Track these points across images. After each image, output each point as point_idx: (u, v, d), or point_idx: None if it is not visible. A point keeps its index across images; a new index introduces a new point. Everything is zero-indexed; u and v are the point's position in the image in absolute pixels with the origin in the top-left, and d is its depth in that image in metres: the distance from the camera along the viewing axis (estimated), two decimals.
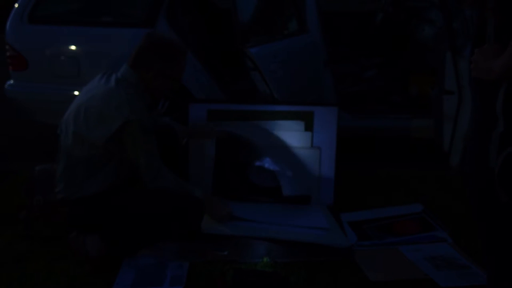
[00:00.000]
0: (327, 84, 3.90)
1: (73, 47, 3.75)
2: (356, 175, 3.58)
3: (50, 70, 3.72)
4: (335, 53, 4.43)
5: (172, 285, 2.32)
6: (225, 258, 2.53)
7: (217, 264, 2.47)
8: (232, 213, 2.71)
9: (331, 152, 3.16)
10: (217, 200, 2.74)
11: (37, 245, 2.66)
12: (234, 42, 3.50)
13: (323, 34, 3.90)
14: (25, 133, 4.59)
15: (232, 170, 3.12)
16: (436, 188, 3.46)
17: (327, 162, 3.16)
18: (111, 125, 2.45)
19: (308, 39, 3.87)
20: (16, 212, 2.81)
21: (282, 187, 3.02)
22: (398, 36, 4.98)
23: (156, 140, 2.57)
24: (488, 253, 1.78)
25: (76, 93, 3.36)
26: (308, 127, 3.17)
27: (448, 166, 3.31)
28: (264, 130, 3.15)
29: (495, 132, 1.62)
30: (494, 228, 1.73)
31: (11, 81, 3.86)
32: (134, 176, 2.61)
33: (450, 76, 3.25)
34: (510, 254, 1.70)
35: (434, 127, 3.54)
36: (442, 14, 3.51)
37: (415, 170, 3.71)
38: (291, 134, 3.16)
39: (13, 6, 3.78)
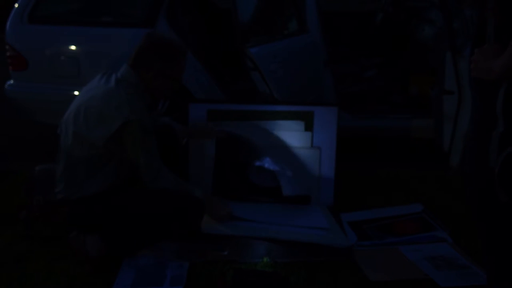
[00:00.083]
0: (327, 84, 3.90)
1: (73, 47, 3.75)
2: (356, 175, 3.58)
3: (50, 70, 3.72)
4: (335, 53, 4.43)
5: (172, 285, 2.32)
6: (225, 258, 2.53)
7: (217, 264, 2.47)
8: (232, 213, 2.72)
9: (331, 152, 3.16)
10: (217, 200, 2.74)
11: (37, 245, 2.65)
12: (234, 42, 3.50)
13: (323, 34, 3.91)
14: (25, 133, 4.59)
15: (232, 170, 3.12)
16: (436, 188, 3.45)
17: (327, 162, 3.16)
18: (111, 125, 2.44)
19: (308, 39, 3.87)
20: (16, 212, 2.81)
21: (282, 187, 3.02)
22: (398, 36, 4.98)
23: (156, 140, 2.57)
24: (488, 253, 1.78)
25: (76, 93, 3.36)
26: (308, 127, 3.17)
27: (448, 166, 3.31)
28: (264, 130, 3.15)
29: (495, 132, 1.62)
30: (494, 228, 1.73)
31: (11, 81, 3.87)
32: (134, 176, 2.61)
33: (450, 76, 3.25)
34: (510, 254, 1.70)
35: (434, 127, 3.54)
36: (442, 14, 3.51)
37: (415, 170, 3.71)
38: (291, 134, 3.16)
39: (13, 6, 3.78)
